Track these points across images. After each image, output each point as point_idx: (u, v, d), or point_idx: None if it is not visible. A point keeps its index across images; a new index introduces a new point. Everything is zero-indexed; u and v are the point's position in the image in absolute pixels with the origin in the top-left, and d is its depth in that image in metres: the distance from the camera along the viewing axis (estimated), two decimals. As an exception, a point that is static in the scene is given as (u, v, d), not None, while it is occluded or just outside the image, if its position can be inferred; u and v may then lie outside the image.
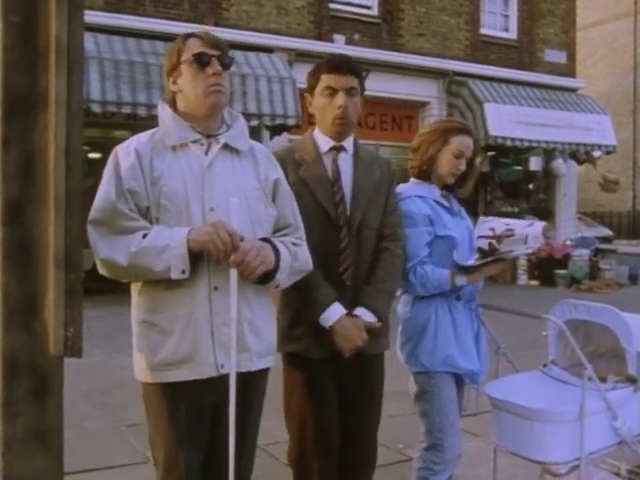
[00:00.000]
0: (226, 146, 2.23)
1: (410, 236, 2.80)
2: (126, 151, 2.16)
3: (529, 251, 2.91)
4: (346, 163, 2.70)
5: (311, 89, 2.70)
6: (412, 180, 3.02)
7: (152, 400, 2.21)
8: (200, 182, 2.15)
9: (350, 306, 2.59)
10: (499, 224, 3.02)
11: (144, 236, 2.06)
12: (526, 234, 2.92)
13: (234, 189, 2.19)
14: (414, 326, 2.87)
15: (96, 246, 2.08)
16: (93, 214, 2.10)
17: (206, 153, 2.20)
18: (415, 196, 2.88)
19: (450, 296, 2.87)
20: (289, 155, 2.64)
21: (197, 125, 2.21)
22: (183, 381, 2.12)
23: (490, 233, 2.97)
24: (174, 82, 2.25)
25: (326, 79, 2.63)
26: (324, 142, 2.70)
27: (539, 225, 2.98)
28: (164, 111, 2.25)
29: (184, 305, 2.10)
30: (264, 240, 2.21)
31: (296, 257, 2.28)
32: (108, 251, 2.06)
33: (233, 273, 2.08)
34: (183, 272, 2.04)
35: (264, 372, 2.30)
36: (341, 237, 2.59)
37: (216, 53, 2.19)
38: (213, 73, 2.17)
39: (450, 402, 2.87)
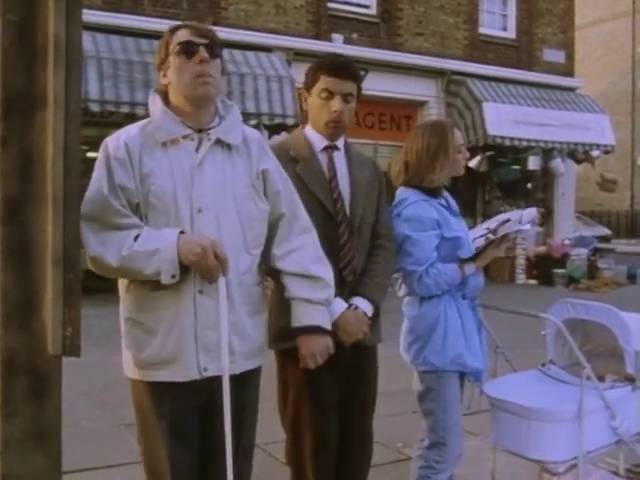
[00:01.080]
0: (218, 141, 2.18)
1: (420, 240, 2.81)
2: (116, 144, 2.13)
3: (524, 226, 2.94)
4: (340, 161, 2.73)
5: (308, 86, 2.69)
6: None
7: (138, 396, 2.21)
8: (189, 181, 2.11)
9: (348, 300, 2.62)
10: (492, 222, 3.05)
11: (136, 238, 2.03)
12: (521, 215, 2.98)
13: (223, 188, 2.15)
14: (423, 325, 2.87)
15: (87, 242, 2.05)
16: (85, 208, 2.04)
17: (197, 149, 2.15)
18: (421, 200, 2.88)
19: (457, 294, 2.88)
20: (283, 151, 2.62)
21: (188, 119, 2.16)
22: (167, 382, 2.12)
23: (485, 231, 3.00)
24: (164, 75, 2.20)
25: (325, 81, 2.62)
26: (318, 140, 2.70)
27: (533, 209, 3.05)
28: (155, 104, 2.20)
29: (169, 307, 2.09)
30: (312, 329, 2.30)
31: (328, 297, 2.36)
32: (100, 249, 2.04)
33: (222, 282, 2.07)
34: (173, 277, 2.03)
35: (253, 372, 2.28)
36: (340, 233, 2.61)
37: (204, 41, 2.13)
38: (200, 61, 2.10)
39: (455, 401, 2.88)
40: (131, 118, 10.16)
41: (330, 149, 2.71)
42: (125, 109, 9.93)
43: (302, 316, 2.30)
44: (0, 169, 1.32)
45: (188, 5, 11.78)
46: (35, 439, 1.37)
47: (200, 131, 2.17)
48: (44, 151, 1.33)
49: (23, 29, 1.32)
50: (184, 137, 2.15)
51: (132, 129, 2.18)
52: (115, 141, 2.14)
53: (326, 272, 2.35)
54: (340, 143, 2.75)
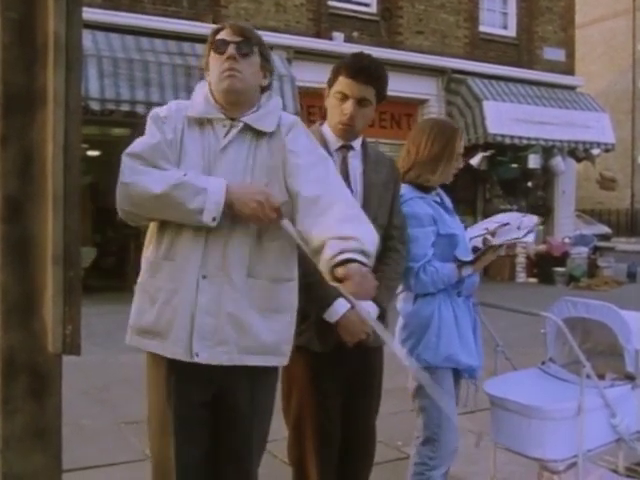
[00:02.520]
0: (247, 127, 2.21)
1: (417, 236, 2.81)
2: (167, 112, 2.22)
3: (524, 237, 2.93)
4: (355, 161, 2.70)
5: (329, 84, 2.68)
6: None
7: (148, 370, 2.27)
8: (212, 163, 2.16)
9: None
10: (491, 223, 3.05)
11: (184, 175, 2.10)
12: (520, 220, 2.97)
13: (243, 175, 2.17)
14: (417, 322, 2.87)
15: (124, 172, 2.10)
16: (135, 148, 2.14)
17: (225, 135, 2.20)
18: (416, 197, 2.89)
19: (452, 292, 2.88)
20: None
21: (224, 109, 2.23)
22: (177, 363, 2.14)
23: (484, 232, 3.00)
24: (208, 75, 2.29)
25: (341, 83, 2.60)
26: (333, 140, 2.68)
27: (534, 217, 3.04)
28: (201, 88, 2.29)
29: (171, 279, 2.13)
30: None
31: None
32: (136, 177, 2.08)
33: (286, 223, 2.11)
34: (214, 219, 2.06)
35: (264, 371, 2.24)
36: None
37: (237, 39, 2.20)
38: (227, 57, 2.18)
39: (449, 397, 2.88)
40: (131, 116, 10.18)
41: (345, 149, 2.69)
42: (125, 107, 9.92)
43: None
44: (0, 168, 1.32)
45: (188, 3, 11.76)
46: (35, 437, 1.37)
47: (233, 119, 2.22)
48: (44, 149, 1.33)
49: (23, 27, 1.32)
50: (217, 121, 2.21)
51: (181, 103, 2.28)
52: (166, 110, 2.23)
53: (357, 230, 2.03)
54: (356, 143, 2.72)
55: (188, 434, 2.18)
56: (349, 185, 2.63)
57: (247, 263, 2.14)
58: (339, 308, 2.54)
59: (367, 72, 2.62)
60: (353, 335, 2.55)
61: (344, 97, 2.60)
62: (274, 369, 2.31)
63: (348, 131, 2.66)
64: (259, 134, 2.22)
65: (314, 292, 2.50)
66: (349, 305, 2.54)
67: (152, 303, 2.15)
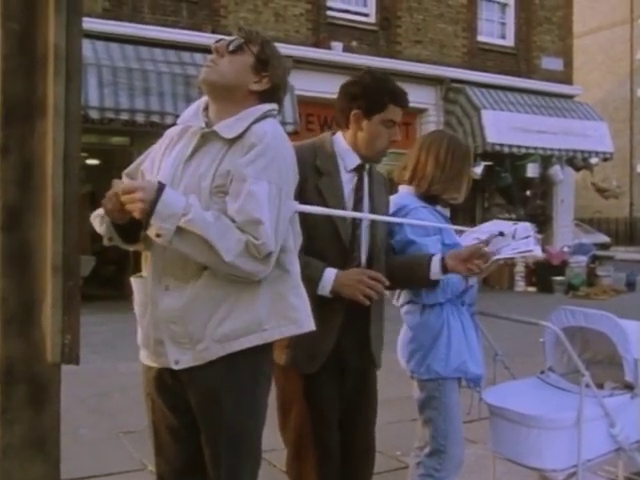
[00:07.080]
0: (216, 135, 2.06)
1: (426, 245, 2.81)
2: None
3: (535, 251, 2.92)
4: (365, 182, 2.68)
5: (370, 112, 2.61)
6: (404, 190, 2.99)
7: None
8: (180, 174, 2.06)
9: (342, 329, 2.54)
10: (483, 233, 3.04)
11: None
12: (514, 229, 2.96)
13: (198, 183, 2.02)
14: (426, 333, 2.85)
15: None
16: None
17: (195, 144, 2.09)
18: (420, 207, 2.89)
19: (457, 301, 2.88)
20: (310, 157, 2.54)
21: (209, 113, 2.14)
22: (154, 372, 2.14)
23: (476, 241, 2.99)
24: None
25: (393, 111, 2.62)
26: (351, 158, 2.63)
27: (527, 223, 3.05)
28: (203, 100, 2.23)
29: (139, 292, 2.13)
30: None
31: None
32: None
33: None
34: (110, 239, 2.15)
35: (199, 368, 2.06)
36: (354, 257, 2.59)
37: (232, 38, 2.11)
38: (213, 50, 2.11)
39: (456, 408, 2.87)
40: (130, 125, 10.20)
41: (362, 168, 2.65)
42: (125, 116, 9.94)
43: None
44: (0, 177, 1.32)
45: (188, 13, 11.80)
46: (34, 447, 1.36)
47: (208, 125, 2.10)
48: (44, 159, 1.34)
49: (23, 37, 1.33)
50: (195, 130, 2.10)
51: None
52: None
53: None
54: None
55: (160, 444, 2.21)
56: (361, 205, 2.63)
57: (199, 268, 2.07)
58: (328, 276, 2.48)
59: (407, 97, 2.69)
60: (354, 289, 2.46)
61: (393, 124, 2.65)
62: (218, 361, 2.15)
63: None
64: (230, 141, 2.04)
65: (304, 273, 2.33)
66: (335, 270, 2.49)
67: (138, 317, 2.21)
